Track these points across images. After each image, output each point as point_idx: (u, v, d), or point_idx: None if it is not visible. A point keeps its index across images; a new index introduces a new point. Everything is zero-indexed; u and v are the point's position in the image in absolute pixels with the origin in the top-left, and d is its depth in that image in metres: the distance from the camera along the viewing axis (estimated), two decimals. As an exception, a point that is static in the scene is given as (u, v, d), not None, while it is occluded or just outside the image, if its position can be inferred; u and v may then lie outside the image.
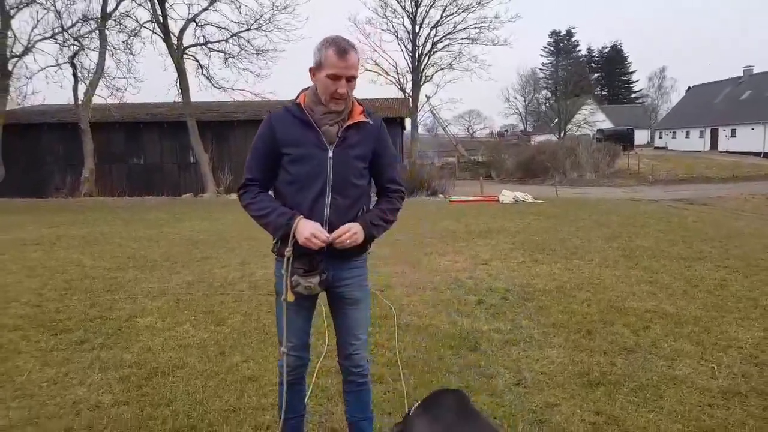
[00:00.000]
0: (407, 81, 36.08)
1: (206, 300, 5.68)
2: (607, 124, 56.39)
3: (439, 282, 6.36)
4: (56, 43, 21.94)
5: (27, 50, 21.45)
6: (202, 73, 22.85)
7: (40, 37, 21.54)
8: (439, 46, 35.84)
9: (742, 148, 42.41)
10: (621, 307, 5.26)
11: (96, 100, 22.12)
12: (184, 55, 22.25)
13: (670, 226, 11.17)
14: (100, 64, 21.63)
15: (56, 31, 21.59)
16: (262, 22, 22.53)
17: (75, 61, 22.31)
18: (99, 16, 21.53)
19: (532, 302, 5.49)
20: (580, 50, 76.49)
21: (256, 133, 2.42)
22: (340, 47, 2.25)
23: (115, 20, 21.88)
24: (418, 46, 35.56)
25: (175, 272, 7.02)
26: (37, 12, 21.11)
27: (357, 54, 2.31)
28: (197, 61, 22.83)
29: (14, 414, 3.24)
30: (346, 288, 2.49)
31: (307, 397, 2.95)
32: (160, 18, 21.52)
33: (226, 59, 22.79)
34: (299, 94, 2.44)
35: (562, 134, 52.42)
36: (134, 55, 22.86)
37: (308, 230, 2.26)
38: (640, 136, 58.01)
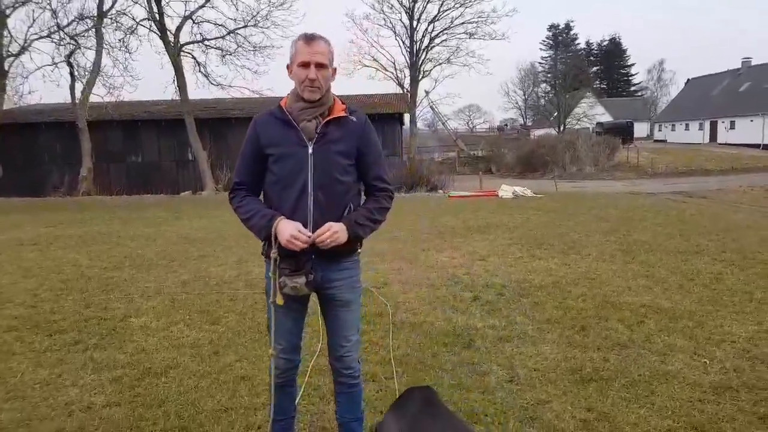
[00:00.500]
0: (405, 76, 35.98)
1: (201, 299, 5.68)
2: (606, 118, 56.26)
3: (436, 278, 6.36)
4: (52, 41, 21.94)
5: (23, 49, 21.44)
6: (200, 71, 22.87)
7: (36, 36, 21.56)
8: (437, 41, 35.73)
9: (742, 140, 42.36)
10: (616, 302, 5.26)
11: (93, 98, 22.12)
12: (181, 53, 22.23)
13: (668, 219, 11.16)
14: (97, 63, 21.62)
15: (52, 29, 21.60)
16: (258, 18, 22.54)
17: (71, 60, 22.31)
18: (95, 15, 21.52)
19: (528, 298, 5.49)
20: (578, 44, 76.48)
21: (244, 139, 2.46)
22: (308, 36, 2.32)
23: (111, 18, 21.87)
24: (416, 42, 35.46)
25: (171, 271, 7.02)
26: (33, 11, 21.10)
27: (327, 45, 2.35)
28: (194, 58, 22.85)
29: (6, 416, 3.24)
30: (336, 290, 2.48)
31: (298, 399, 2.95)
32: (157, 15, 21.49)
33: (223, 56, 22.79)
34: (275, 98, 2.46)
35: (561, 128, 52.32)
36: (131, 53, 22.83)
37: (288, 231, 2.25)
38: (640, 129, 57.89)
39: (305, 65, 2.30)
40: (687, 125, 52.31)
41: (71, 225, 11.79)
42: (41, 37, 21.64)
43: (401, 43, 36.03)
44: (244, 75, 42.83)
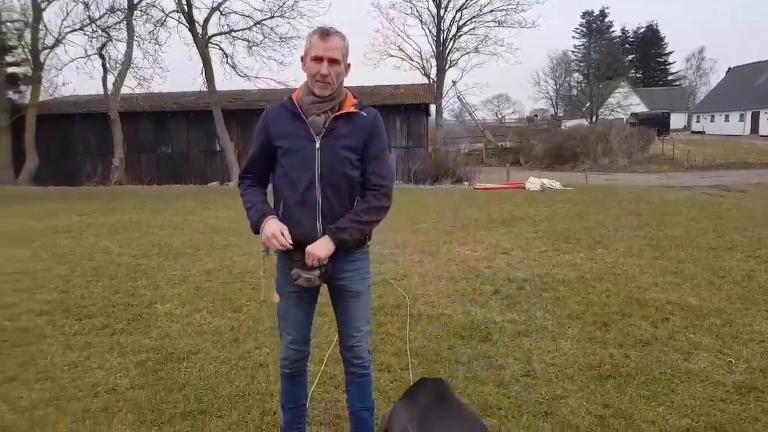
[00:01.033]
0: (432, 66, 35.55)
1: (225, 287, 5.78)
2: (641, 108, 54.90)
3: (456, 271, 6.34)
4: (85, 34, 22.50)
5: (57, 42, 22.06)
6: (227, 62, 23.09)
7: (70, 29, 22.15)
8: (465, 29, 35.14)
9: (785, 132, 40.90)
10: (641, 299, 5.16)
11: (124, 90, 22.57)
12: (209, 44, 22.46)
13: (703, 214, 10.85)
14: (128, 55, 22.03)
15: (85, 22, 22.13)
16: (285, 9, 22.60)
17: (103, 52, 22.82)
18: (126, 7, 21.90)
19: (550, 293, 5.43)
20: (613, 31, 74.52)
21: (255, 130, 2.50)
22: (324, 31, 2.32)
23: (141, 10, 22.24)
24: (443, 30, 34.98)
25: (197, 260, 7.15)
26: (67, 4, 21.71)
27: (342, 40, 2.34)
28: (222, 49, 23.07)
29: (36, 395, 3.38)
30: (347, 281, 2.50)
31: (313, 387, 2.99)
32: (185, 7, 21.73)
33: (250, 47, 22.96)
34: (293, 91, 2.49)
35: (594, 119, 51.30)
36: (160, 45, 23.21)
37: (270, 230, 2.32)
38: (677, 120, 56.39)
39: (318, 60, 2.30)
40: (727, 116, 50.69)
41: (103, 214, 12.10)
42: (74, 30, 22.26)
43: (428, 32, 35.61)
44: (270, 66, 43.21)
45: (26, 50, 22.53)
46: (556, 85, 67.63)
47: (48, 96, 23.67)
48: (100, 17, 22.20)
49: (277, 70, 56.18)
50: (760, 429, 2.87)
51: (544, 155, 34.78)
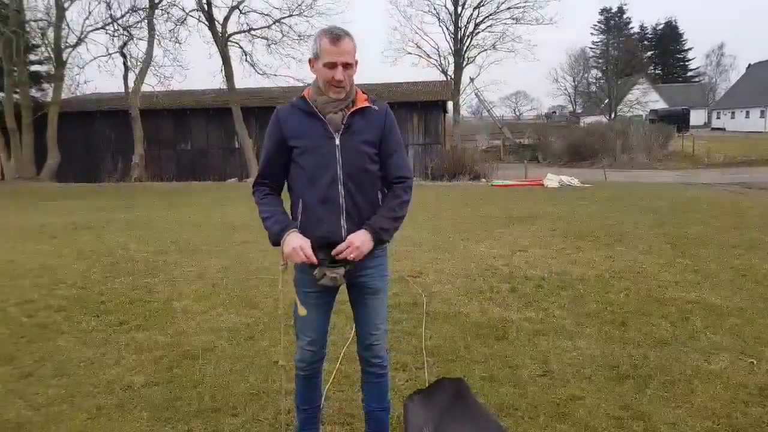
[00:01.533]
0: (449, 63, 35.43)
1: (241, 284, 5.80)
2: (660, 105, 54.15)
3: (473, 269, 6.29)
4: (107, 33, 22.78)
5: (80, 40, 22.34)
6: (246, 60, 23.18)
7: (92, 28, 22.41)
8: (482, 26, 34.99)
9: (808, 129, 40.04)
10: (661, 298, 5.07)
11: (144, 87, 22.78)
12: (228, 42, 22.59)
13: (723, 211, 10.65)
14: (148, 53, 22.26)
15: (107, 21, 22.39)
16: (304, 7, 22.65)
17: (124, 51, 23.10)
18: (147, 6, 22.13)
19: (568, 291, 5.36)
20: (632, 27, 73.35)
21: (266, 132, 2.45)
22: (334, 35, 2.27)
23: (162, 9, 22.44)
24: (461, 28, 34.80)
25: (214, 256, 7.19)
26: (89, 3, 21.98)
27: (352, 41, 2.31)
28: (241, 47, 23.16)
29: (52, 391, 3.40)
30: (368, 277, 2.48)
31: (326, 387, 2.97)
32: (205, 6, 21.88)
33: (269, 45, 23.04)
34: (305, 88, 2.46)
35: (612, 115, 50.64)
36: (180, 43, 23.45)
37: (295, 243, 2.29)
38: (697, 117, 55.51)
39: (332, 66, 2.27)
40: (747, 113, 49.80)
41: (123, 210, 12.25)
42: (96, 29, 22.52)
43: (445, 30, 35.50)
44: (288, 64, 43.29)
45: (49, 49, 22.87)
46: (574, 81, 67.02)
47: (70, 94, 24.00)
48: (122, 16, 22.50)
49: (295, 68, 56.37)
50: (785, 433, 2.79)
51: (563, 152, 34.37)
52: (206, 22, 22.18)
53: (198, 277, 6.15)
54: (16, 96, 21.85)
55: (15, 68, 21.25)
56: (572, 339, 4.10)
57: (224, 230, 9.22)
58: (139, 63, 22.76)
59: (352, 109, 2.37)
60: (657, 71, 74.60)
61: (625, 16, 72.09)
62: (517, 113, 74.32)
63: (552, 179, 17.26)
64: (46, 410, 3.18)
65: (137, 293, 5.52)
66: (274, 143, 2.42)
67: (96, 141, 24.27)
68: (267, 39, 23.03)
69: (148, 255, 7.31)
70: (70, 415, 3.12)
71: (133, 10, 22.33)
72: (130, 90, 22.74)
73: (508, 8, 33.91)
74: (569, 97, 69.88)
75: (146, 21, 22.29)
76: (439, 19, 35.57)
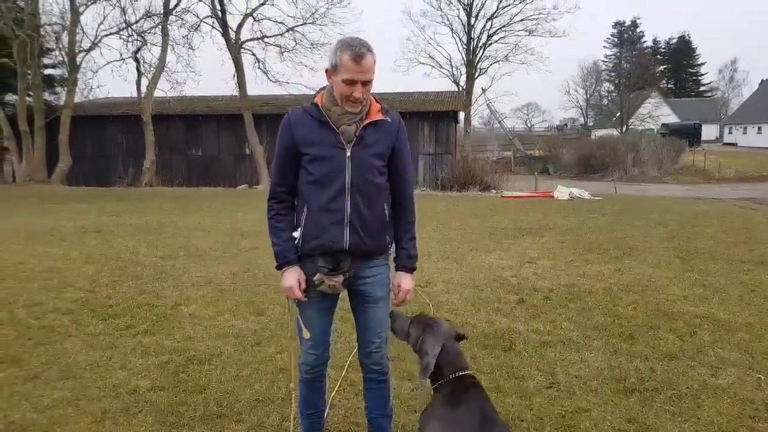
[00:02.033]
0: (461, 74, 35.63)
1: (249, 290, 5.82)
2: (672, 119, 53.85)
3: (481, 280, 6.27)
4: (121, 38, 22.98)
5: (94, 45, 22.61)
6: (259, 67, 23.36)
7: (106, 33, 22.65)
8: (495, 38, 35.16)
9: (821, 145, 39.66)
10: (669, 312, 5.03)
11: (157, 93, 23.01)
12: (242, 50, 22.77)
13: (733, 226, 10.56)
14: (162, 59, 22.46)
15: (121, 26, 22.61)
16: (317, 16, 22.82)
17: (138, 56, 23.32)
18: (161, 12, 22.36)
19: (576, 303, 5.33)
20: (645, 41, 73.33)
21: (278, 138, 2.42)
22: (356, 52, 2.21)
23: (176, 15, 22.69)
24: (473, 39, 35.00)
25: (222, 262, 7.22)
26: (104, 8, 22.25)
27: (373, 56, 2.27)
28: (254, 55, 23.34)
29: (58, 394, 3.42)
30: (368, 286, 2.49)
31: (332, 393, 2.97)
32: (219, 13, 22.08)
33: (282, 53, 23.20)
34: (317, 93, 2.44)
35: (624, 129, 50.47)
36: (193, 49, 23.62)
37: (287, 283, 2.41)
38: (708, 132, 55.18)
39: (352, 83, 2.25)
40: (759, 128, 49.44)
41: (133, 214, 12.33)
42: (110, 34, 22.76)
43: (458, 41, 35.72)
44: (300, 72, 43.49)
45: (63, 52, 23.18)
46: (586, 94, 66.89)
47: (83, 98, 24.25)
48: (136, 21, 22.73)
49: (307, 76, 56.71)
50: (794, 451, 2.76)
51: (573, 164, 34.29)
52: (220, 29, 22.40)
53: (206, 282, 6.17)
54: (29, 99, 22.14)
55: (29, 71, 21.52)
56: (579, 351, 4.08)
57: (233, 236, 9.26)
58: (152, 68, 23.01)
59: (366, 122, 2.36)
60: (669, 85, 74.42)
61: (638, 30, 72.18)
62: (529, 125, 74.19)
63: (562, 191, 17.21)
64: (52, 413, 3.19)
65: (145, 298, 5.55)
66: (285, 149, 2.41)
67: (107, 145, 24.48)
68: (280, 47, 23.22)
69: (156, 260, 7.35)
70: (76, 418, 3.13)
71: (148, 15, 22.58)
72: (142, 95, 22.95)
73: (522, 20, 34.10)
74: (581, 109, 69.77)
75: (160, 27, 22.53)
76: (452, 29, 35.80)
